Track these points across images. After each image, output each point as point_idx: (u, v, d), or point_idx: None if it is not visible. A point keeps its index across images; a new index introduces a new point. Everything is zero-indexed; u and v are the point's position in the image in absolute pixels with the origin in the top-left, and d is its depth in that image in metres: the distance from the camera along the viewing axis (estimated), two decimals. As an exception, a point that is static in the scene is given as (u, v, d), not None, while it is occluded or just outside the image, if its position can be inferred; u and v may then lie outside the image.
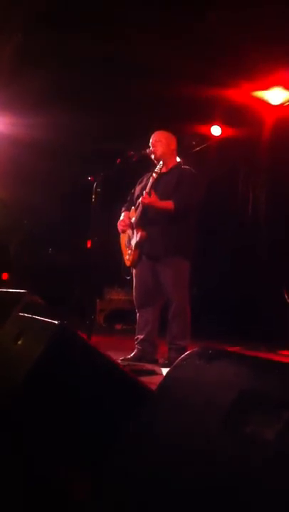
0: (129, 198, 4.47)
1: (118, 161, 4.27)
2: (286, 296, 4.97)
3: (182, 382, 1.14)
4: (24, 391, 1.58)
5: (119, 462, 1.12)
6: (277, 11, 4.55)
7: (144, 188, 4.17)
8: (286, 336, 4.84)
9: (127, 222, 4.29)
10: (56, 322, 1.70)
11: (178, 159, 4.32)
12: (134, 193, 4.41)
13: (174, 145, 4.27)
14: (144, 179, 4.35)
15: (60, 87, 6.10)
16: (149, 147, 4.21)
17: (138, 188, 4.35)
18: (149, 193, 4.00)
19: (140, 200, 4.06)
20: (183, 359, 1.18)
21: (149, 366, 3.83)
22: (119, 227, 4.36)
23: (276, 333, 5.15)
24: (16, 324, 2.07)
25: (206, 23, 4.83)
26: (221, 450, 0.93)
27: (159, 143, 4.20)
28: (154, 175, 4.06)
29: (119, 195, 4.61)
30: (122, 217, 4.39)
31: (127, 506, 1.01)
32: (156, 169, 4.04)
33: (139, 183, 4.39)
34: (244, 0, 4.59)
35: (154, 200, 3.97)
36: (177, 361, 1.19)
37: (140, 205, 4.10)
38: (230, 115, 6.62)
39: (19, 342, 1.88)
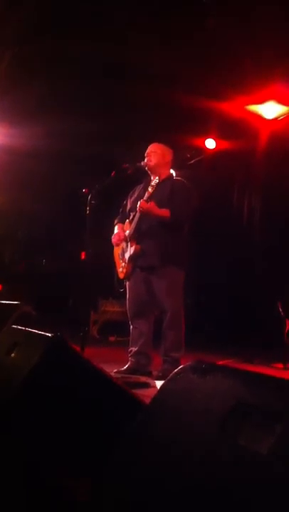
0: (121, 211, 4.47)
1: (113, 173, 4.28)
2: (280, 309, 4.98)
3: (176, 395, 1.14)
4: (17, 404, 1.57)
5: (118, 468, 1.12)
6: (272, 25, 4.60)
7: (137, 200, 4.17)
8: (280, 349, 4.84)
9: (122, 236, 4.28)
10: (50, 334, 1.69)
11: (171, 171, 4.33)
12: (126, 205, 4.41)
13: (169, 157, 4.28)
14: (136, 192, 4.35)
15: (56, 96, 6.12)
16: (144, 159, 4.22)
17: (130, 201, 4.34)
18: (147, 201, 3.99)
19: (138, 205, 4.04)
20: (177, 373, 1.18)
21: (143, 379, 3.81)
22: (114, 241, 4.35)
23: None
24: (9, 336, 2.06)
25: (202, 36, 4.87)
26: (215, 460, 0.93)
27: (153, 153, 4.21)
28: (149, 189, 4.05)
29: (114, 208, 4.61)
30: (116, 230, 4.38)
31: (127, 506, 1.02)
32: (153, 183, 4.04)
33: (131, 196, 4.39)
34: (239, 13, 4.64)
35: (152, 206, 3.96)
36: (171, 375, 1.19)
37: (135, 216, 4.10)
38: (225, 128, 6.66)
39: (12, 354, 1.87)
